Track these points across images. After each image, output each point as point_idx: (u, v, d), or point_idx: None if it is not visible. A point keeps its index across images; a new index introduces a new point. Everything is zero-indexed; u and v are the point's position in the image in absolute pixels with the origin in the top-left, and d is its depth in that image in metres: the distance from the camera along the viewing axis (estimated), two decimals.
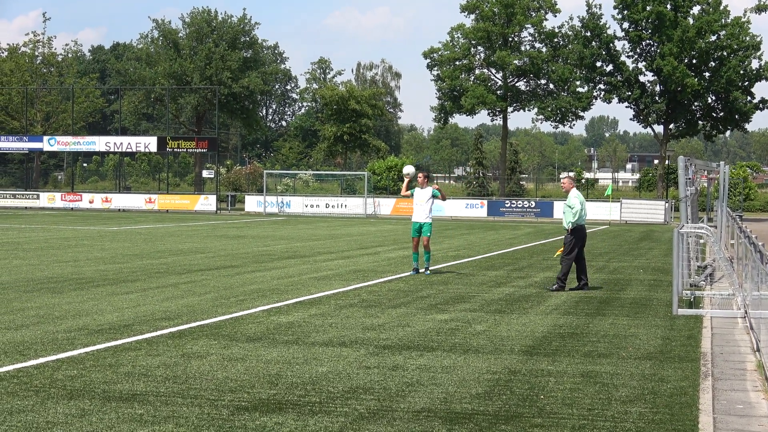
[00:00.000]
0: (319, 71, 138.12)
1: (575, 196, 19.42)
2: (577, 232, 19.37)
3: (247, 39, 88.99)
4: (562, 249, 19.71)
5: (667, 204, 59.34)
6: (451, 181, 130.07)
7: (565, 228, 19.45)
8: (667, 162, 77.77)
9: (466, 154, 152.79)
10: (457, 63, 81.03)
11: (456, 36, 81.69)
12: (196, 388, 9.77)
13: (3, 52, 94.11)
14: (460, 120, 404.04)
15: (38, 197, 69.96)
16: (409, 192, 22.35)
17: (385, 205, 65.09)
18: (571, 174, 21.31)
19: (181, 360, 11.24)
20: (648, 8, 71.98)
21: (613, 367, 11.21)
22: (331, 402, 9.29)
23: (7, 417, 8.56)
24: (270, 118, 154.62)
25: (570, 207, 19.25)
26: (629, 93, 74.56)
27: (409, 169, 22.41)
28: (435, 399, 9.48)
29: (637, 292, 19.32)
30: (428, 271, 22.06)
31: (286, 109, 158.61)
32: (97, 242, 31.76)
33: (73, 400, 9.23)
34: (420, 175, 22.19)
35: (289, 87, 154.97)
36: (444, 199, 22.77)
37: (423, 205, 21.93)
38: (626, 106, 77.02)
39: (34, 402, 9.13)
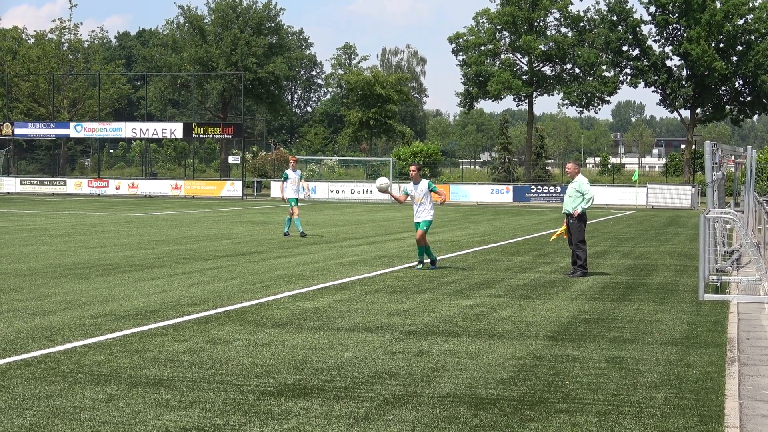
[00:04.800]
0: (344, 57, 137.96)
1: (587, 181, 19.40)
2: (584, 217, 19.35)
3: (272, 25, 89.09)
4: (562, 233, 19.76)
5: (693, 189, 59.05)
6: (477, 167, 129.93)
7: (569, 212, 19.33)
8: (693, 147, 77.38)
9: (491, 140, 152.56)
10: (483, 48, 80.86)
11: (481, 21, 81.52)
12: (222, 374, 9.81)
13: (30, 39, 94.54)
14: (486, 105, 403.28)
15: (65, 183, 70.29)
16: (404, 196, 20.27)
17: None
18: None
19: (207, 345, 11.29)
20: None
21: (639, 353, 11.18)
22: (356, 387, 9.30)
23: (35, 402, 8.62)
24: (295, 103, 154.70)
25: (582, 192, 19.18)
26: (656, 77, 74.24)
27: (381, 182, 20.41)
28: (460, 384, 9.49)
29: (663, 277, 19.25)
30: (420, 265, 20.10)
31: (312, 94, 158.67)
32: (123, 228, 31.91)
33: (100, 385, 9.29)
34: (413, 168, 20.12)
35: (314, 73, 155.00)
36: (443, 200, 20.35)
37: (421, 204, 19.88)
38: (653, 91, 76.74)
39: (61, 387, 9.18)
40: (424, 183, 19.98)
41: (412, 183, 20.08)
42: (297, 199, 28.97)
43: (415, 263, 20.47)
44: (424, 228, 19.80)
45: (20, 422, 7.98)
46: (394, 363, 10.44)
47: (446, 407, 8.63)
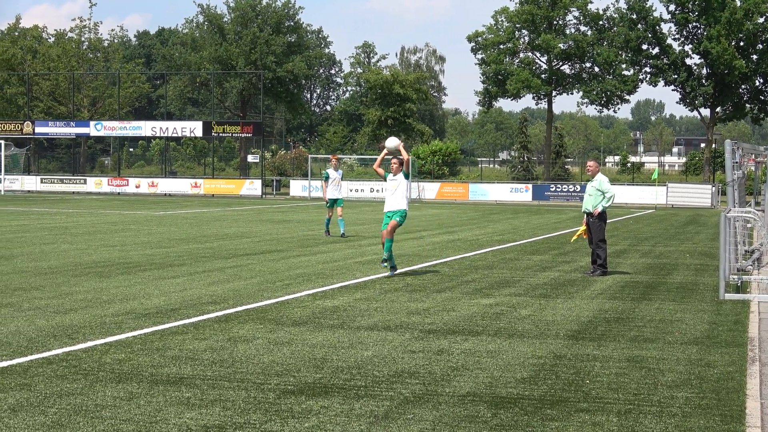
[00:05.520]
0: (363, 55, 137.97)
1: (607, 180, 19.39)
2: (604, 216, 19.32)
3: (291, 23, 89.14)
4: (582, 233, 19.71)
5: (713, 188, 58.84)
6: (496, 165, 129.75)
7: (589, 211, 19.30)
8: (713, 146, 77.08)
9: (510, 138, 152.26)
10: (502, 47, 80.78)
11: (500, 19, 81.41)
12: (242, 372, 9.84)
13: (50, 38, 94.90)
14: (505, 104, 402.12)
15: (85, 182, 70.57)
16: (382, 170, 19.39)
17: (430, 190, 65.03)
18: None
19: (228, 344, 11.32)
20: None
21: (660, 352, 11.16)
22: (376, 386, 9.31)
23: (56, 400, 8.66)
24: (314, 102, 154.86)
25: (602, 191, 19.15)
26: (675, 76, 73.98)
27: (392, 143, 18.96)
28: (480, 383, 9.48)
29: (684, 276, 19.20)
30: (384, 263, 18.84)
31: (331, 93, 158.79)
32: (143, 227, 32.02)
33: (121, 383, 9.32)
34: (394, 162, 18.87)
35: (333, 71, 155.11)
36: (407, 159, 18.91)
37: (395, 191, 18.86)
38: (672, 90, 76.44)
39: (82, 385, 9.22)
40: (400, 175, 18.80)
41: (390, 174, 18.91)
42: (340, 200, 28.54)
43: (383, 262, 19.04)
44: (398, 219, 18.57)
45: (42, 420, 8.02)
46: (414, 362, 10.44)
47: (466, 406, 8.63)
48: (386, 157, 19.24)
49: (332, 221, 28.67)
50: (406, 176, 18.87)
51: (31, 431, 7.72)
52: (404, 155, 18.78)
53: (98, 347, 11.06)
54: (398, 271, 18.86)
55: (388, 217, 18.74)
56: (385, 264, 18.77)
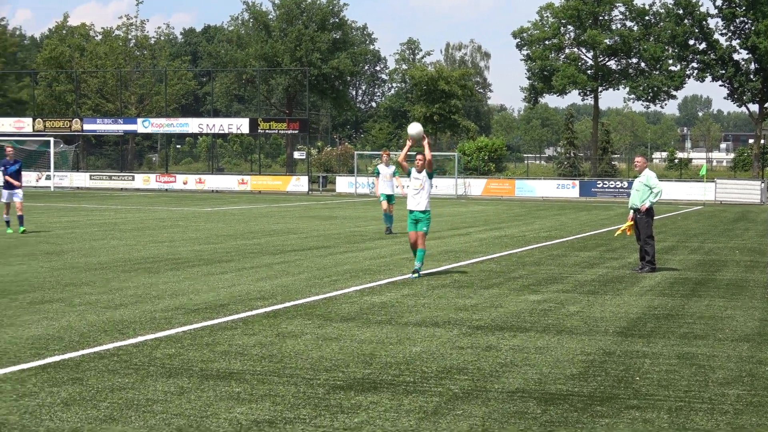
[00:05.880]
0: (408, 52, 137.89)
1: (654, 175, 19.28)
2: (651, 212, 19.22)
3: (336, 20, 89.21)
4: (626, 229, 19.60)
5: (763, 184, 58.24)
6: (542, 161, 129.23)
7: (636, 207, 19.18)
8: (762, 141, 76.30)
9: (556, 134, 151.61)
10: (547, 42, 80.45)
11: (545, 15, 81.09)
12: (291, 367, 9.88)
13: (97, 36, 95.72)
14: (551, 100, 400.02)
15: (133, 178, 71.10)
16: (407, 165, 18.36)
17: (476, 186, 64.94)
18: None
19: (277, 339, 11.37)
20: None
21: (710, 349, 11.07)
22: (425, 382, 9.32)
23: (108, 394, 8.75)
24: (360, 99, 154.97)
25: (649, 186, 19.05)
26: (723, 71, 73.33)
27: (414, 129, 17.91)
28: (529, 380, 9.46)
29: (733, 273, 19.04)
30: (417, 275, 17.65)
31: (376, 90, 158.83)
32: (191, 223, 32.22)
33: (172, 378, 9.40)
34: (419, 159, 18.04)
35: (378, 68, 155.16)
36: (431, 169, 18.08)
37: (420, 191, 17.94)
38: (720, 85, 75.77)
39: (134, 380, 9.31)
40: (425, 173, 17.95)
41: (414, 170, 18.07)
42: (392, 196, 28.37)
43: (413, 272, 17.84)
44: (425, 229, 17.96)
45: (94, 414, 8.11)
46: (462, 358, 10.44)
47: (516, 402, 8.61)
48: (410, 153, 18.42)
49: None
50: (430, 176, 18.04)
51: (84, 425, 7.80)
52: (427, 154, 17.87)
53: (148, 342, 11.15)
54: (424, 273, 17.91)
55: (414, 219, 17.94)
56: (417, 274, 17.61)
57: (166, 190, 68.04)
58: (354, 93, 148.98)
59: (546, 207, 49.51)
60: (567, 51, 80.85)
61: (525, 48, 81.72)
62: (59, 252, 21.45)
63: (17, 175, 27.29)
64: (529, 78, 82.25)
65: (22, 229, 26.78)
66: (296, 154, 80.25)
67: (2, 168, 27.48)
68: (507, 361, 10.29)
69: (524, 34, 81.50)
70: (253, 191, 66.43)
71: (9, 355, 10.36)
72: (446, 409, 8.37)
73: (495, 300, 14.76)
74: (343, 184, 68.27)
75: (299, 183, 67.16)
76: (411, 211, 17.98)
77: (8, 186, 27.30)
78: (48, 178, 69.58)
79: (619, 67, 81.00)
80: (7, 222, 27.60)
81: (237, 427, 7.78)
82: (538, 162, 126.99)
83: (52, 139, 69.75)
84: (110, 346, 10.91)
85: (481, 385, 9.23)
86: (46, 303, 13.95)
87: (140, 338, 11.36)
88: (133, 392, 8.82)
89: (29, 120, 74.72)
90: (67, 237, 25.77)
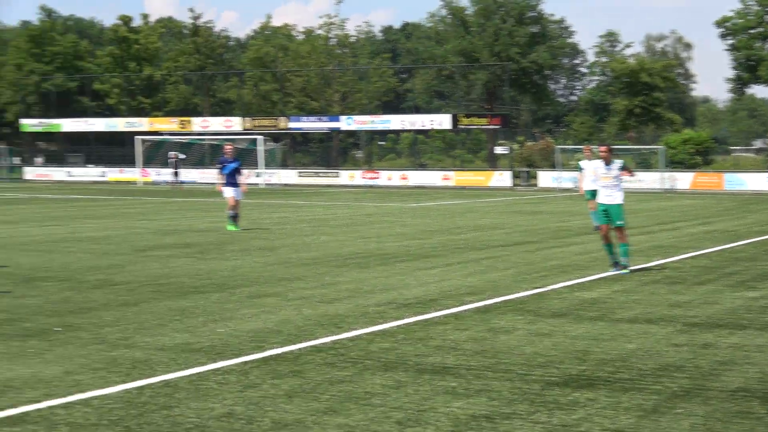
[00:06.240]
0: (607, 44, 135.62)
1: None
2: None
3: (534, 14, 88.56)
4: None
5: None
6: (751, 154, 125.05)
7: None
8: None
9: (765, 126, 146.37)
10: (752, 32, 77.74)
11: (749, 3, 78.34)
12: (505, 363, 9.91)
13: (299, 35, 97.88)
14: (758, 90, 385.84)
15: (338, 175, 72.26)
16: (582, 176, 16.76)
17: (683, 180, 63.34)
18: None
19: (489, 334, 11.42)
20: None
21: None
22: (642, 379, 9.20)
23: (328, 387, 8.97)
24: (560, 92, 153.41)
25: None
26: None
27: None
28: (750, 378, 9.21)
29: None
30: (626, 270, 17.13)
31: (576, 83, 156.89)
32: (398, 218, 32.61)
33: (388, 371, 9.56)
34: (603, 150, 17.37)
35: (577, 61, 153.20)
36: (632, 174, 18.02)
37: (610, 184, 17.32)
38: None
39: (351, 373, 9.52)
40: (617, 163, 17.36)
41: (602, 163, 17.39)
42: (594, 192, 27.78)
43: (616, 268, 17.31)
44: (620, 221, 17.20)
45: (316, 406, 8.33)
46: (679, 355, 10.25)
47: (738, 402, 8.40)
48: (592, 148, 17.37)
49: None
50: (622, 168, 17.37)
51: (307, 416, 8.03)
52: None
53: (363, 336, 11.38)
54: (634, 268, 17.46)
55: (605, 214, 17.33)
56: (619, 269, 17.17)
57: (371, 186, 68.92)
58: (554, 87, 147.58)
59: (757, 201, 47.87)
60: None
61: (729, 37, 79.24)
62: (272, 248, 22.07)
63: (236, 174, 27.38)
64: (734, 68, 79.76)
65: (232, 227, 26.92)
66: (498, 150, 79.97)
67: (220, 165, 27.86)
68: (726, 359, 10.05)
69: (728, 23, 79.01)
70: (456, 187, 66.62)
71: (232, 347, 10.75)
72: (666, 407, 8.24)
73: (709, 296, 14.41)
74: (546, 178, 67.68)
75: (502, 178, 66.96)
76: (601, 204, 17.46)
77: (231, 184, 27.29)
78: (258, 175, 71.55)
79: None
80: (233, 217, 27.25)
81: (455, 421, 7.86)
82: (746, 154, 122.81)
83: (260, 137, 71.66)
84: (327, 339, 11.18)
85: (699, 383, 9.04)
86: (263, 297, 14.41)
87: (355, 332, 11.60)
88: (352, 385, 9.02)
89: (238, 119, 77.01)
90: (279, 233, 26.47)
